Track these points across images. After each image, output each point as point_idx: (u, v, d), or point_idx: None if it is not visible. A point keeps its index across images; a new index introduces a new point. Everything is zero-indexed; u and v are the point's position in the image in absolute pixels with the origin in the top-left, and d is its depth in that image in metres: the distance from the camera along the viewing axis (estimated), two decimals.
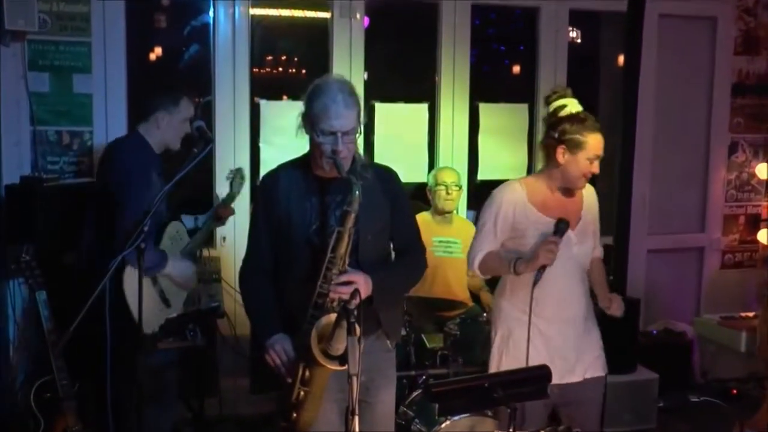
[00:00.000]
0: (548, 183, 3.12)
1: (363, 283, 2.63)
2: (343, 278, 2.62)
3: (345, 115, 2.65)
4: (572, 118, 3.05)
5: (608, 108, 5.57)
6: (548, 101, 3.16)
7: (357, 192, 2.59)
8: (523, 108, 5.30)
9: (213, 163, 4.69)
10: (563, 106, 3.09)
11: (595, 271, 3.31)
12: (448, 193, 4.58)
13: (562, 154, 3.04)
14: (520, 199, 3.10)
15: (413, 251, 2.95)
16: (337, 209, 2.72)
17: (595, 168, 3.05)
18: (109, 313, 3.01)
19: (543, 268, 2.92)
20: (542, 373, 2.65)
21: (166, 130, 3.58)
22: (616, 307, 3.25)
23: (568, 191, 3.13)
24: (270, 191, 2.83)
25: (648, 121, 5.41)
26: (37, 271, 3.36)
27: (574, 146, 3.02)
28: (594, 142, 3.01)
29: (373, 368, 2.79)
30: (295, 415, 2.67)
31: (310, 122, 2.71)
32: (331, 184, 2.75)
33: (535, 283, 2.92)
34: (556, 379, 2.80)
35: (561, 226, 2.96)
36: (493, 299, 3.38)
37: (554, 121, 3.09)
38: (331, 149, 2.66)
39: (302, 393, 2.63)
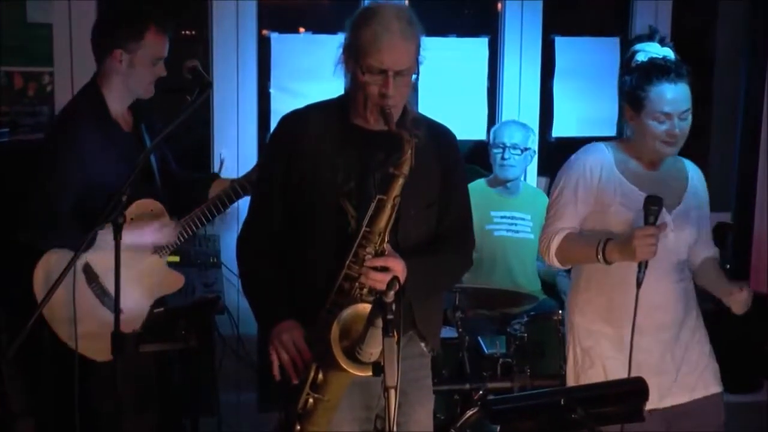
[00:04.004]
0: (634, 152, 3.15)
1: (402, 271, 2.61)
2: (379, 262, 2.61)
3: (400, 48, 2.63)
4: (637, 68, 3.07)
5: (728, 45, 5.51)
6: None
7: (410, 151, 2.59)
8: (612, 43, 5.23)
9: (211, 113, 4.70)
10: (635, 53, 3.12)
11: (709, 275, 3.25)
12: (503, 158, 4.56)
13: (628, 116, 3.10)
14: (607, 162, 3.11)
15: (460, 242, 2.93)
16: (377, 170, 2.71)
17: (670, 128, 3.01)
18: (19, 315, 3.00)
19: (644, 264, 2.90)
20: (637, 387, 2.62)
21: (127, 74, 3.41)
22: (739, 300, 3.10)
23: (654, 163, 3.14)
24: (294, 136, 2.81)
25: None
26: None
27: (635, 104, 3.05)
28: (657, 96, 2.99)
29: (405, 378, 2.73)
30: (299, 427, 2.67)
31: (353, 55, 2.68)
32: (374, 138, 2.74)
33: (638, 284, 2.90)
34: (654, 403, 2.77)
35: (653, 208, 2.91)
36: (565, 307, 3.37)
37: (620, 74, 3.16)
38: (378, 92, 2.64)
39: (311, 401, 2.62)
